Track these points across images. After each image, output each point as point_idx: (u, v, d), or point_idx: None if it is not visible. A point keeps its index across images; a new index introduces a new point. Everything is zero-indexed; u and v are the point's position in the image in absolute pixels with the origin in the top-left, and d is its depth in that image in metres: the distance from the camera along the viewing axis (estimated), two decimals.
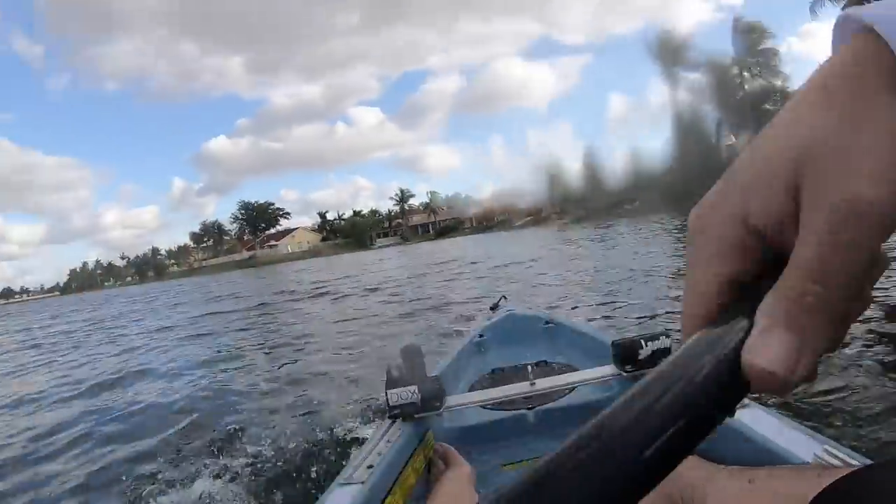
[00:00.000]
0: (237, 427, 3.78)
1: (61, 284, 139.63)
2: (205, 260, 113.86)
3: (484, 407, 1.80)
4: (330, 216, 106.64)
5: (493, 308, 3.19)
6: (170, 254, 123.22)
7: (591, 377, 1.61)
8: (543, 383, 1.60)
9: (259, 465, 3.04)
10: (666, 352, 1.54)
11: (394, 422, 1.49)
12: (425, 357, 1.56)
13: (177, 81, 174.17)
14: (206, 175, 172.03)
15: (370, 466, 1.26)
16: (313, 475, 2.81)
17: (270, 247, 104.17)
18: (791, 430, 1.06)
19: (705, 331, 0.23)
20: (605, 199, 50.94)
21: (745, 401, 1.18)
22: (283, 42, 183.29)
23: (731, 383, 0.22)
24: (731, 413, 0.22)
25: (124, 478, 3.37)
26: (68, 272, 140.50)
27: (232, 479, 2.98)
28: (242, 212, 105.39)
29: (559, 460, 0.22)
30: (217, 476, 3.06)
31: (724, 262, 0.24)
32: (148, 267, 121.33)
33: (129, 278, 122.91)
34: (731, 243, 0.24)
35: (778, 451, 1.00)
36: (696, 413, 0.21)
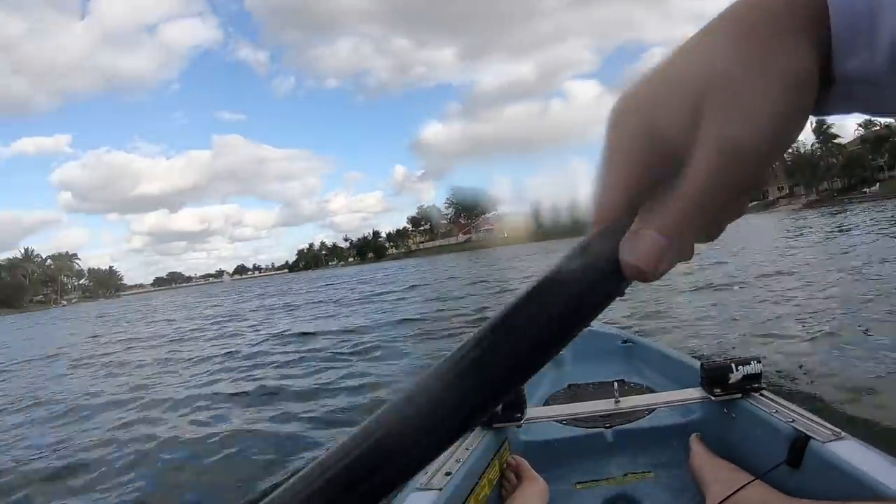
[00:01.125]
0: None
1: (289, 263, 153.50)
2: (422, 243, 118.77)
3: (560, 422, 1.75)
4: (544, 205, 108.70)
5: None
6: (389, 236, 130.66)
7: (677, 399, 1.57)
8: (628, 402, 1.57)
9: None
10: (756, 378, 1.50)
11: (471, 431, 1.41)
12: None
13: (392, 75, 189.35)
14: (424, 161, 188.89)
15: (448, 473, 1.24)
16: None
17: (486, 231, 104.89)
18: (888, 463, 1.00)
19: (605, 226, 0.25)
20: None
21: (841, 433, 1.15)
22: (492, 25, 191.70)
23: (612, 272, 0.24)
24: (620, 293, 0.25)
25: None
26: (297, 252, 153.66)
27: None
28: (455, 197, 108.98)
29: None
30: None
31: (632, 165, 0.24)
32: (368, 248, 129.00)
33: (350, 259, 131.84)
34: (640, 145, 0.24)
35: (879, 489, 0.93)
36: (583, 289, 0.24)
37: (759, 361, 1.53)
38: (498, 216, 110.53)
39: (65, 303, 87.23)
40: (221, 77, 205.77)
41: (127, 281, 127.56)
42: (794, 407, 1.37)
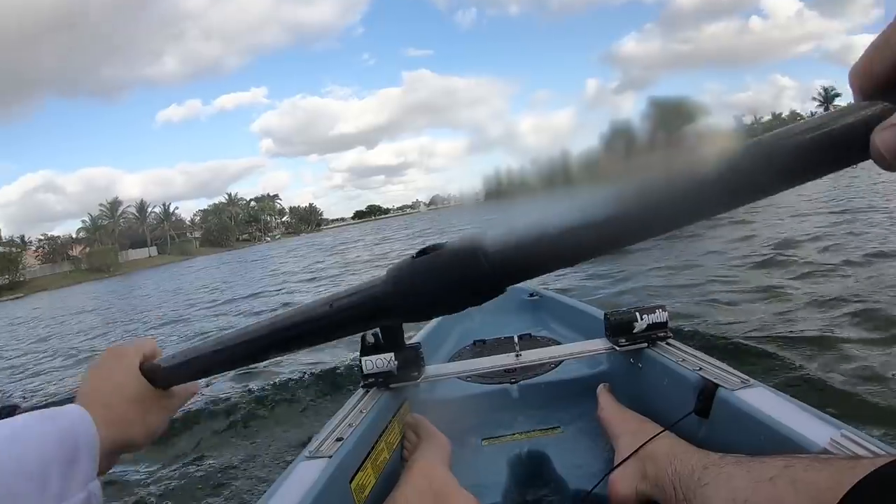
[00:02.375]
0: None
1: (477, 193, 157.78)
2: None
3: (465, 379, 1.71)
4: (746, 120, 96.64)
5: None
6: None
7: (581, 350, 1.52)
8: (530, 356, 1.52)
9: None
10: (662, 326, 1.45)
11: (367, 391, 1.40)
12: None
13: None
14: (619, 73, 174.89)
15: (339, 439, 1.16)
16: None
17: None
18: (802, 412, 0.95)
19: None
20: None
21: (750, 380, 1.10)
22: None
23: (856, 142, 0.27)
24: (865, 156, 0.26)
25: None
26: (482, 179, 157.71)
27: None
28: (653, 108, 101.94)
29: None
30: None
31: None
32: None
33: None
34: None
35: (790, 437, 0.89)
36: (825, 144, 0.28)
37: (664, 309, 1.47)
38: (702, 131, 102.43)
39: (268, 239, 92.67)
40: (403, 17, 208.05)
41: (328, 215, 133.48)
42: (701, 355, 1.31)
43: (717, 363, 1.25)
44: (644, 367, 1.43)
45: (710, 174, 0.31)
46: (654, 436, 1.13)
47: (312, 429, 2.64)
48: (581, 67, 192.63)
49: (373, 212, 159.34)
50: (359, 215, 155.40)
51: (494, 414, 1.62)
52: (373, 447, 1.22)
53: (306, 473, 1.04)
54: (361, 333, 1.41)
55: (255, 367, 3.97)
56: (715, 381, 1.14)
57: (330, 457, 1.09)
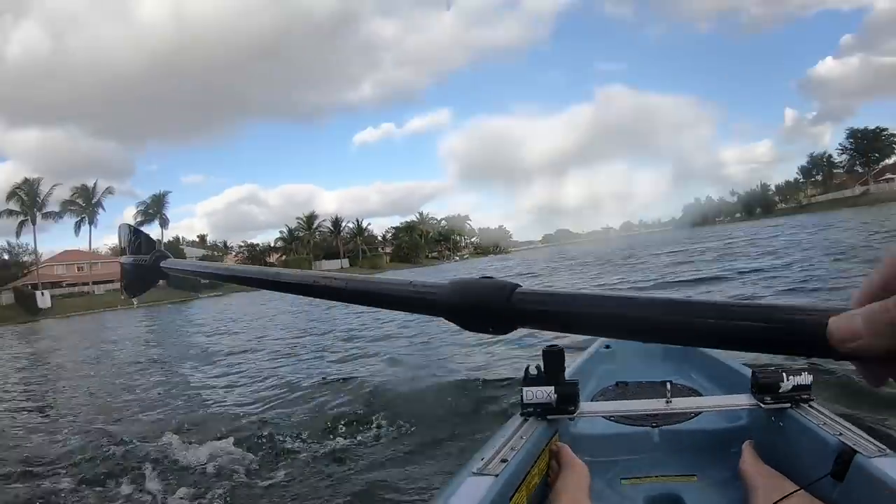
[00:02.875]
0: None
1: (675, 218, 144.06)
2: (812, 196, 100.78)
3: (609, 418, 1.79)
4: None
5: None
6: (777, 189, 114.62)
7: (726, 403, 1.60)
8: (680, 403, 1.58)
9: None
10: (806, 388, 1.50)
11: (526, 419, 1.52)
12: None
13: (764, 9, 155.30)
14: (817, 102, 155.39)
15: (504, 461, 1.28)
16: None
17: (887, 181, 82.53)
18: None
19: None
20: None
21: (887, 449, 1.14)
22: None
23: (813, 331, 0.32)
24: (812, 355, 0.33)
25: None
26: (682, 207, 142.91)
27: None
28: (850, 141, 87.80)
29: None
30: None
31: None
32: (755, 203, 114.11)
33: (737, 214, 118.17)
34: None
35: None
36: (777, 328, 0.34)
37: (809, 372, 1.53)
38: None
39: (456, 258, 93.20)
40: (590, 35, 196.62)
41: (517, 237, 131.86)
42: (841, 420, 1.36)
43: (857, 430, 1.27)
44: (785, 427, 1.47)
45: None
46: (789, 494, 1.17)
47: (449, 444, 3.21)
48: (777, 95, 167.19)
49: (561, 236, 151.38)
50: (548, 239, 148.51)
51: (635, 455, 1.69)
52: (528, 472, 1.33)
53: (475, 489, 1.16)
54: (526, 365, 1.61)
55: (400, 386, 4.99)
56: (853, 446, 1.16)
57: (496, 475, 1.21)
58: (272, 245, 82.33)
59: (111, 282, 63.68)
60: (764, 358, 3.77)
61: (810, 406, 1.47)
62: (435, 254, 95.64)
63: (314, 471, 3.26)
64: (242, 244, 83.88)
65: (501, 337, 5.17)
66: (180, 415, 5.39)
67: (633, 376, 2.23)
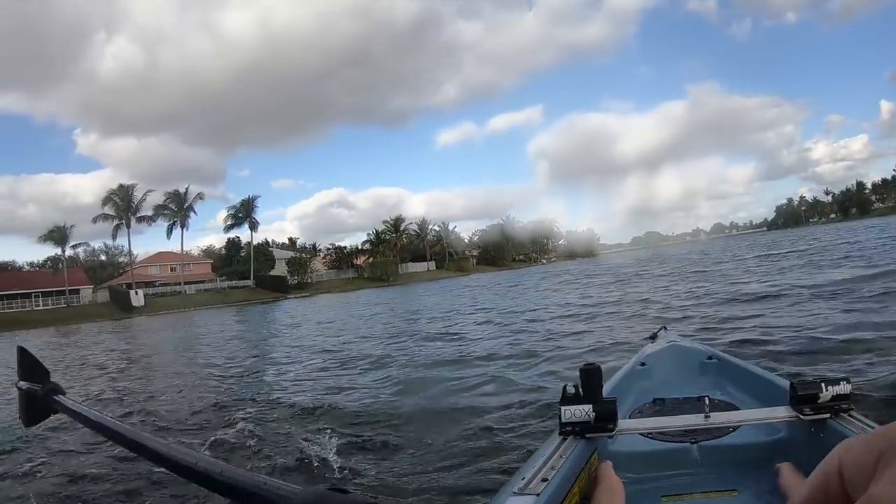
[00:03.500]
0: None
1: (768, 220, 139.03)
2: None
3: (647, 435, 1.78)
4: None
5: (652, 338, 3.17)
6: (874, 188, 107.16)
7: (765, 416, 1.60)
8: (718, 418, 1.60)
9: None
10: (846, 398, 1.50)
11: (565, 439, 1.52)
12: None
13: None
14: None
15: (545, 480, 1.28)
16: None
17: None
18: None
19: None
20: None
21: None
22: None
23: None
24: None
25: None
26: (774, 208, 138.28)
27: None
28: None
29: None
30: None
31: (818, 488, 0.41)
32: (850, 203, 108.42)
33: (832, 215, 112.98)
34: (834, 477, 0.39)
35: None
36: None
37: (848, 381, 1.51)
38: None
39: (544, 261, 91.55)
40: (676, 31, 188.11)
41: (606, 240, 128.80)
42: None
43: None
44: (825, 438, 1.46)
45: None
46: None
47: (490, 464, 3.37)
48: (872, 87, 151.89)
49: (650, 239, 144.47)
50: (637, 241, 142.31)
51: (674, 471, 1.67)
52: (569, 491, 1.32)
53: None
54: (564, 384, 1.60)
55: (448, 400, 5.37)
56: None
57: (538, 495, 1.21)
58: (359, 247, 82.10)
59: (202, 282, 65.24)
60: (803, 370, 4.53)
61: (850, 416, 1.47)
62: (522, 257, 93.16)
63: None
64: (330, 246, 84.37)
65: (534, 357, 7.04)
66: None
67: (670, 392, 2.20)
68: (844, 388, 1.49)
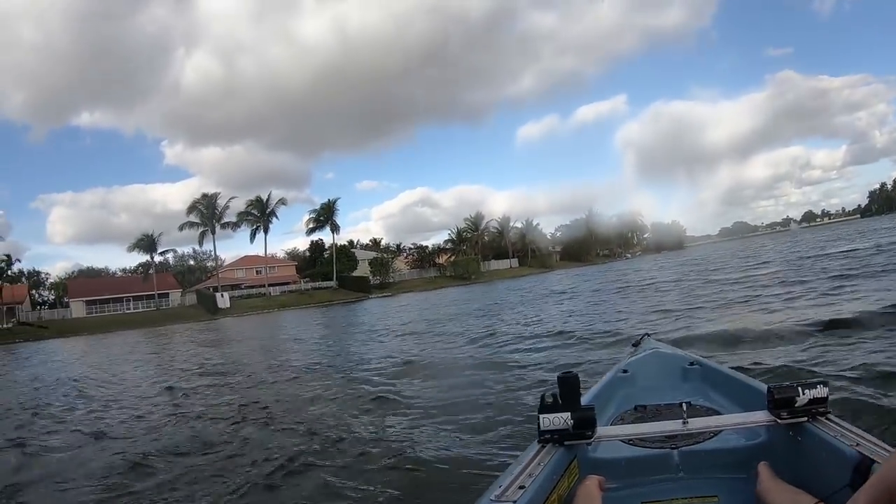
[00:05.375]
0: None
1: (861, 206, 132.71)
2: None
3: (628, 442, 1.78)
4: None
5: (636, 345, 3.16)
6: None
7: (743, 421, 1.60)
8: (696, 424, 1.59)
9: None
10: (822, 401, 1.51)
11: (543, 446, 1.53)
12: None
13: None
14: None
15: (522, 487, 1.29)
16: None
17: None
18: None
19: None
20: None
21: None
22: None
23: None
24: None
25: None
26: (868, 193, 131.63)
27: None
28: None
29: None
30: None
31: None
32: None
33: None
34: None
35: None
36: None
37: (825, 385, 1.53)
38: None
39: (628, 255, 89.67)
40: (758, 13, 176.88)
41: (692, 232, 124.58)
42: (858, 431, 1.39)
43: (875, 440, 1.31)
44: (803, 441, 1.50)
45: None
46: None
47: (466, 474, 3.22)
48: None
49: (739, 230, 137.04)
50: (725, 233, 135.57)
51: (655, 477, 1.68)
52: (547, 498, 1.34)
53: None
54: (542, 393, 1.61)
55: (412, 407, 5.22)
56: (871, 456, 1.20)
57: (514, 502, 1.22)
58: (441, 246, 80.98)
59: (286, 284, 65.38)
60: (781, 373, 4.31)
61: (827, 419, 1.48)
62: (606, 251, 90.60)
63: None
64: (412, 246, 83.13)
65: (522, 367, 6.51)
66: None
67: (652, 399, 2.20)
68: (821, 391, 1.51)
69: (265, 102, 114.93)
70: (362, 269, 68.43)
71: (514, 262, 78.78)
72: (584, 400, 1.90)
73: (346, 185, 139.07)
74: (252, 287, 63.71)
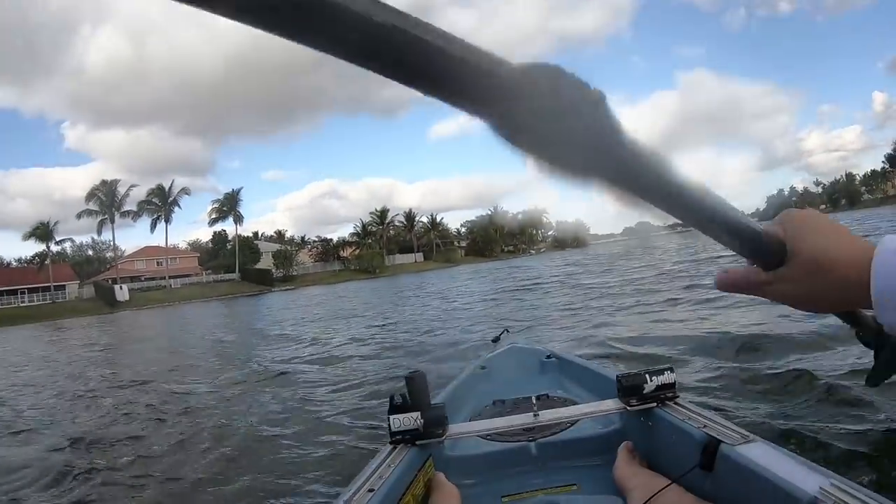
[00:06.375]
0: None
1: (760, 211, 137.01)
2: None
3: (486, 438, 1.79)
4: None
5: (495, 340, 3.21)
6: (863, 180, 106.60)
7: (594, 410, 1.62)
8: (547, 415, 1.60)
9: None
10: (670, 387, 1.56)
11: (395, 447, 1.50)
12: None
13: None
14: None
15: (371, 490, 1.26)
16: None
17: None
18: (797, 464, 1.05)
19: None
20: None
21: (750, 435, 1.21)
22: None
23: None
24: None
25: None
26: (765, 199, 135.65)
27: None
28: None
29: None
30: None
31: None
32: (840, 194, 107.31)
33: (822, 206, 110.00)
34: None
35: (784, 488, 0.99)
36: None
37: (672, 371, 1.57)
38: None
39: (532, 252, 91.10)
40: (670, 21, 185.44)
41: (596, 230, 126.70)
42: (706, 413, 1.43)
43: (721, 421, 1.35)
44: (653, 426, 1.52)
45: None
46: (661, 489, 1.25)
47: (331, 481, 3.05)
48: (865, 78, 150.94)
49: (642, 229, 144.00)
50: (628, 232, 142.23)
51: (514, 471, 1.68)
52: (399, 499, 1.31)
53: None
54: (391, 394, 1.57)
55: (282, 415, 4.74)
56: (718, 437, 1.24)
57: None
58: (347, 240, 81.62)
59: (187, 276, 65.03)
60: (630, 363, 4.64)
61: (676, 403, 1.52)
62: (510, 248, 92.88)
63: None
64: (316, 239, 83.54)
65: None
66: None
67: (511, 394, 2.21)
68: (669, 377, 1.56)
69: (172, 86, 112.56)
70: (266, 262, 68.83)
71: (420, 256, 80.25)
72: (440, 398, 1.95)
73: (253, 174, 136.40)
74: (152, 279, 63.29)
